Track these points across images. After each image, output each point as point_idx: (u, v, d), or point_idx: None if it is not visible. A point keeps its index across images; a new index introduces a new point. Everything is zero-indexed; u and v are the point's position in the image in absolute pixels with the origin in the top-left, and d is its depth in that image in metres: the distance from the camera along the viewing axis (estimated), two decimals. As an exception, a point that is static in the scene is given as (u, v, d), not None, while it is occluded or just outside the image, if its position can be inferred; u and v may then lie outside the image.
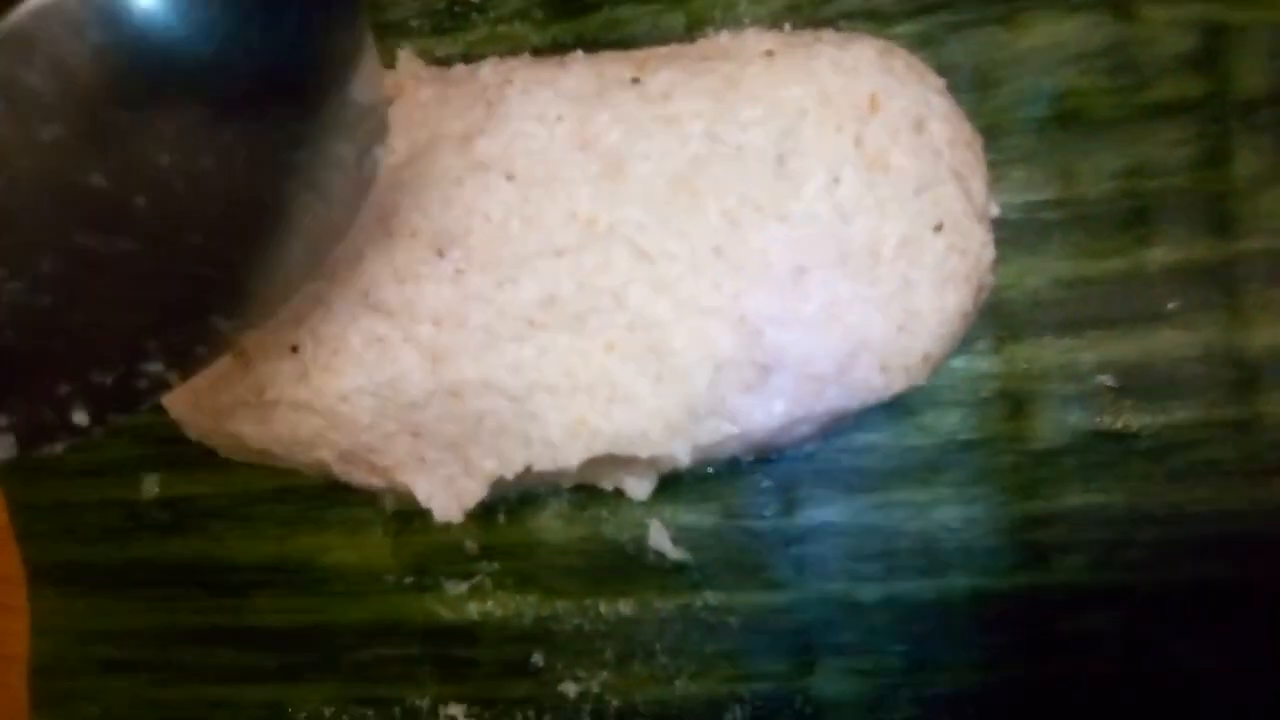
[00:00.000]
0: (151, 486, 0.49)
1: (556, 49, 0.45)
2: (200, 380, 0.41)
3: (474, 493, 0.40)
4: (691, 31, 0.45)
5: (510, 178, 0.38)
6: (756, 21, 0.44)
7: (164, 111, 0.25)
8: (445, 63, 0.45)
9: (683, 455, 0.38)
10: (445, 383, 0.38)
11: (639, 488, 0.43)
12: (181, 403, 0.42)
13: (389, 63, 0.44)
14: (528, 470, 0.39)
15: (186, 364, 0.29)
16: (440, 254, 0.38)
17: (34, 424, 0.27)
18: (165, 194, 0.27)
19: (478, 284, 0.38)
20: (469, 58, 0.46)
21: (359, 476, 0.42)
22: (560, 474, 0.40)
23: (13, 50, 0.23)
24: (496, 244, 0.38)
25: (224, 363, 0.40)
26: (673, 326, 0.37)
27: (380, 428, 0.39)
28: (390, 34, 0.47)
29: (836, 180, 0.37)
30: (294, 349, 0.39)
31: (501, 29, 0.46)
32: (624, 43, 0.45)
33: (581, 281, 0.38)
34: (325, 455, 0.41)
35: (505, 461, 0.39)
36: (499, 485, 0.41)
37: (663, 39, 0.44)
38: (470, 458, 0.40)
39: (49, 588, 0.50)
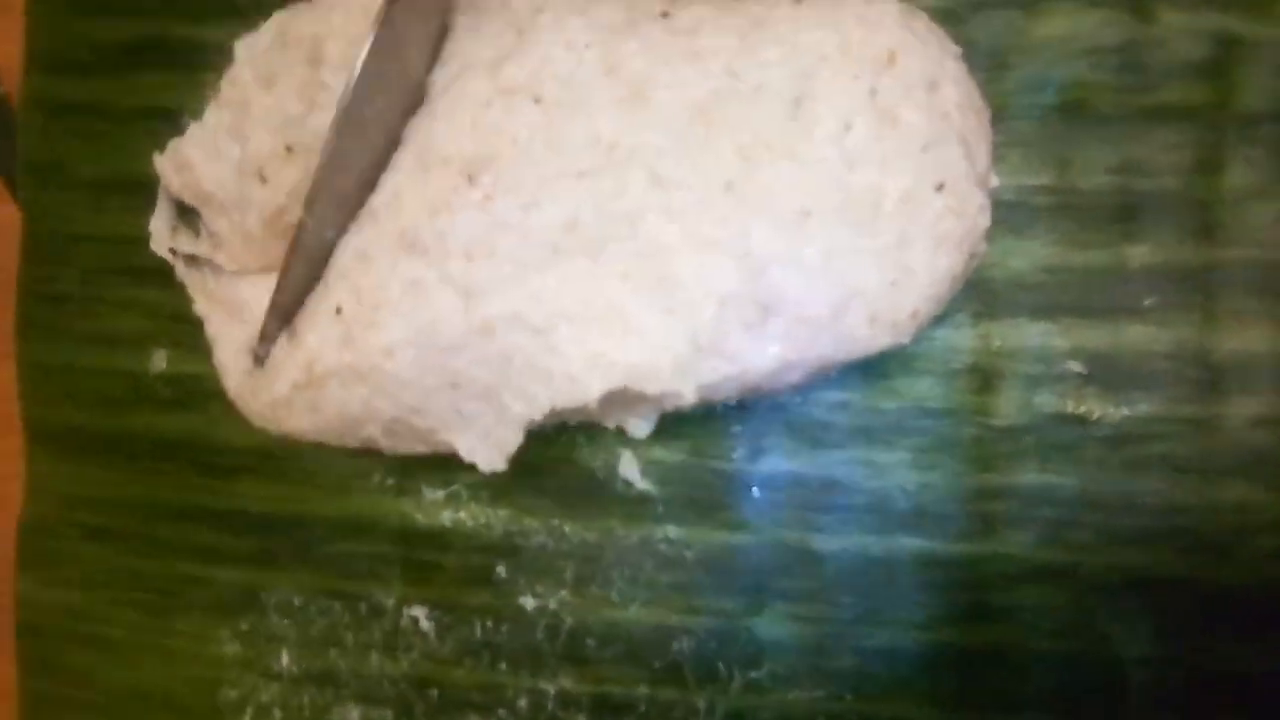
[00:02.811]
0: (160, 361, 0.50)
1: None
2: (260, 376, 0.42)
3: (512, 440, 0.41)
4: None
5: (537, 100, 0.38)
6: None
7: None
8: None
9: (689, 393, 0.39)
10: (477, 320, 0.39)
11: (641, 427, 0.44)
12: (255, 404, 0.43)
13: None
14: (553, 410, 0.40)
15: None
16: (470, 180, 0.38)
17: None
18: None
19: (504, 209, 0.38)
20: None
21: (404, 446, 0.43)
22: (581, 410, 0.41)
23: None
24: (522, 166, 0.38)
25: (281, 350, 0.41)
26: (681, 257, 0.38)
27: (421, 383, 0.40)
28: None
29: (848, 127, 0.38)
30: (338, 310, 0.40)
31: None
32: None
33: (599, 206, 0.38)
34: (372, 430, 0.42)
35: (532, 402, 0.40)
36: (530, 428, 0.41)
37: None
38: (503, 403, 0.40)
39: (43, 448, 0.51)
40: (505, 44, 0.40)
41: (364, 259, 0.39)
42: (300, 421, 0.42)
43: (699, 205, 0.38)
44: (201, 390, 0.50)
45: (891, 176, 0.38)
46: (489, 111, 0.39)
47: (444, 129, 0.39)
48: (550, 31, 0.40)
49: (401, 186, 0.39)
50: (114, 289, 0.51)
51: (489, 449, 0.41)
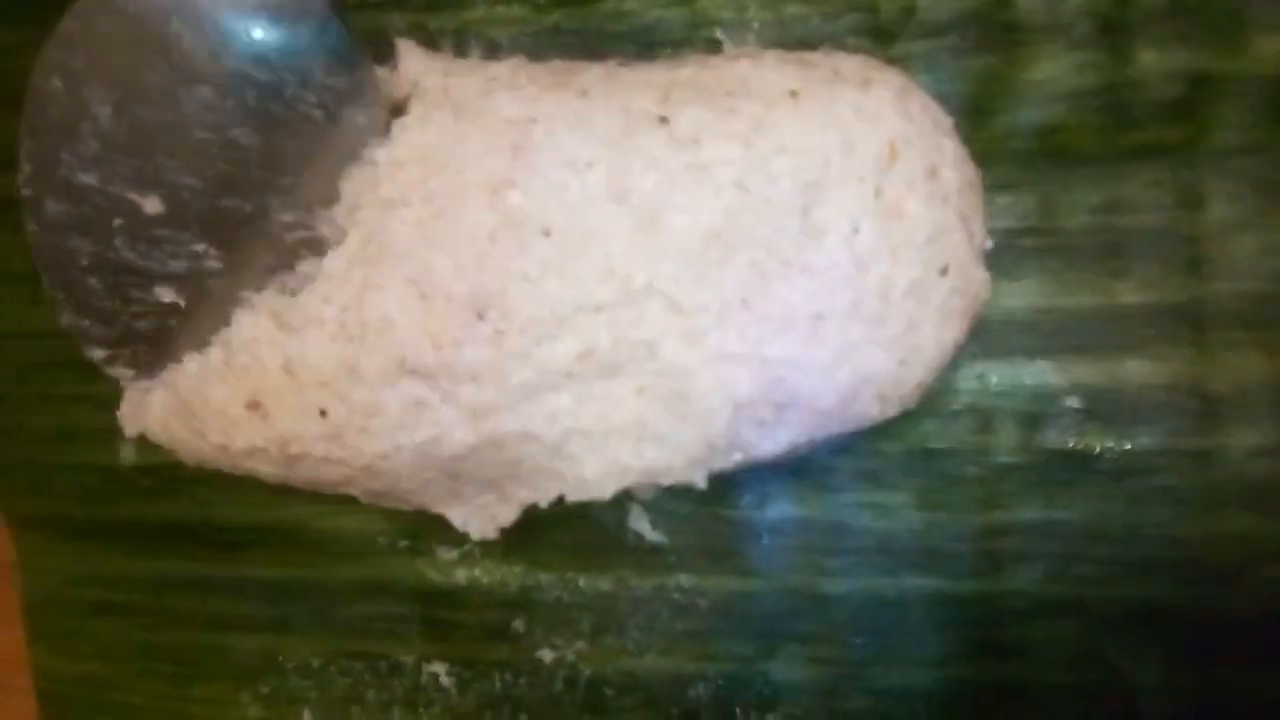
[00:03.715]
0: (129, 454, 0.49)
1: (558, 36, 0.46)
2: (209, 422, 0.40)
3: (508, 515, 0.42)
4: (698, 29, 0.45)
5: (547, 233, 0.37)
6: (764, 26, 0.45)
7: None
8: (437, 38, 0.45)
9: (700, 481, 0.40)
10: (485, 435, 0.38)
11: (647, 490, 0.45)
12: (183, 433, 0.41)
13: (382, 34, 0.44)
14: (560, 499, 0.40)
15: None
16: (479, 316, 0.37)
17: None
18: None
19: (517, 343, 0.37)
20: (461, 33, 0.46)
21: (388, 504, 0.43)
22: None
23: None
24: (535, 303, 0.37)
25: (234, 410, 0.39)
26: (699, 373, 0.38)
27: (419, 476, 0.40)
28: (385, 5, 0.46)
29: (856, 230, 0.38)
30: (322, 413, 0.38)
31: (500, 10, 0.46)
32: (630, 36, 0.45)
33: (618, 336, 0.38)
34: (354, 492, 0.42)
35: (540, 492, 0.40)
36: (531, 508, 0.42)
37: (667, 34, 0.45)
38: (506, 491, 0.41)
39: (30, 534, 0.51)
40: (501, 163, 0.38)
41: (353, 374, 0.38)
42: (264, 468, 0.41)
43: (716, 325, 0.38)
44: (182, 477, 0.48)
45: (899, 269, 0.39)
46: (496, 246, 0.38)
47: (445, 263, 0.37)
48: (549, 150, 0.38)
49: (392, 312, 0.38)
50: (59, 386, 0.50)
51: (483, 521, 0.42)
